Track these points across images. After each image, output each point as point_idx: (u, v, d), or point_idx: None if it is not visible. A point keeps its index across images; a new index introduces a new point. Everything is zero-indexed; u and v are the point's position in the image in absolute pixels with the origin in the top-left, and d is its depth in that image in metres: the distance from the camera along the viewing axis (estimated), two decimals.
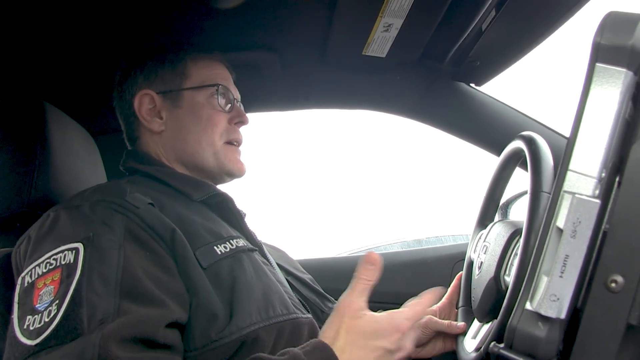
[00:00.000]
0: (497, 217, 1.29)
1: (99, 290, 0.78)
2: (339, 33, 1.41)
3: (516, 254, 0.98)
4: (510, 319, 0.61)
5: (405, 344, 0.85)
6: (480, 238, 1.21)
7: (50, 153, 1.10)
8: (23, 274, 0.85)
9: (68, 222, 0.89)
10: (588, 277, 0.58)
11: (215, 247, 0.96)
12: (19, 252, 0.93)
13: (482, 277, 1.08)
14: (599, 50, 0.57)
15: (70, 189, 1.12)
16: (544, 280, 0.57)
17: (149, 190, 1.01)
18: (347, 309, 0.83)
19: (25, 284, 0.83)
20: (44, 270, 0.82)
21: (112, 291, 0.79)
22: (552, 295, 0.56)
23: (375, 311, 0.86)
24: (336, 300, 1.21)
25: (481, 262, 1.11)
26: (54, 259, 0.83)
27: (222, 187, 1.18)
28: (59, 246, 0.84)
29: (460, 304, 1.23)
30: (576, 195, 0.56)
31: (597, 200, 0.55)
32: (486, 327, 1.05)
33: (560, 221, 0.57)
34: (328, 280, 1.52)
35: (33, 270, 0.83)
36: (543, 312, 0.57)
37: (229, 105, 1.20)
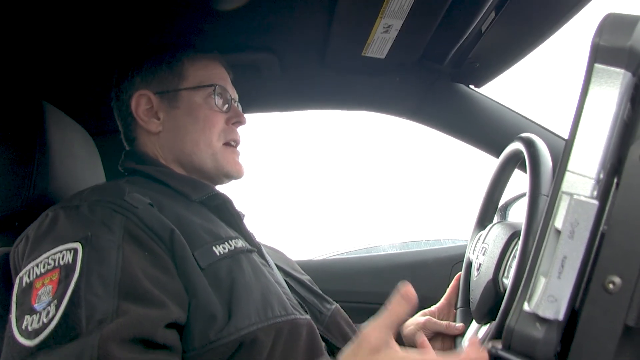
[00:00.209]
0: (496, 219, 1.29)
1: (97, 290, 0.78)
2: (338, 34, 1.41)
3: (514, 256, 0.98)
4: (508, 320, 0.61)
5: None
6: (479, 239, 1.21)
7: (49, 153, 1.10)
8: (21, 274, 0.84)
9: (67, 222, 0.89)
10: (586, 278, 0.58)
11: (214, 248, 0.95)
12: (17, 252, 0.93)
13: (480, 278, 1.08)
14: (597, 51, 0.57)
15: (69, 189, 1.12)
16: (542, 281, 0.57)
17: (147, 191, 1.00)
18: (366, 341, 0.78)
19: (24, 284, 0.83)
20: (43, 270, 0.82)
21: (111, 291, 0.79)
22: (549, 296, 0.56)
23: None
24: (334, 301, 1.21)
25: (480, 264, 1.11)
26: (52, 259, 0.82)
27: (220, 188, 1.18)
28: (58, 246, 0.84)
29: (458, 304, 1.24)
30: (574, 197, 0.56)
31: (595, 202, 0.55)
32: (485, 328, 1.06)
33: (559, 222, 0.57)
34: (326, 281, 1.52)
35: (31, 270, 0.83)
36: (541, 313, 0.57)
37: (227, 105, 1.19)
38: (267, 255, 1.12)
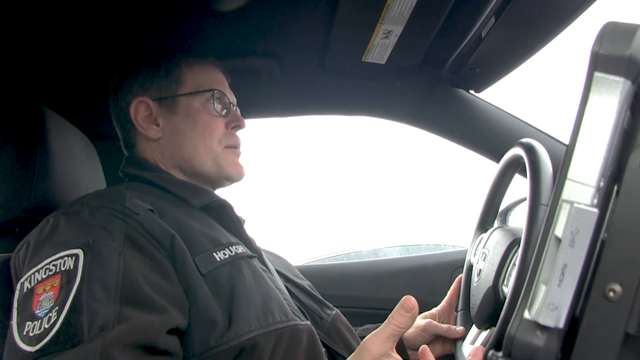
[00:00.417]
0: (496, 223, 1.29)
1: (99, 296, 0.78)
2: (338, 39, 1.41)
3: (514, 264, 0.98)
4: (508, 328, 0.61)
5: None
6: (480, 242, 1.21)
7: (49, 158, 1.10)
8: (22, 280, 0.84)
9: (67, 228, 0.89)
10: (586, 286, 0.58)
11: (214, 254, 0.95)
12: (18, 258, 0.93)
13: (480, 284, 1.08)
14: (597, 60, 0.58)
15: (69, 195, 1.12)
16: (543, 289, 0.57)
17: (148, 197, 1.01)
18: (368, 352, 0.79)
19: (25, 290, 0.83)
20: (44, 276, 0.82)
21: (112, 297, 0.79)
22: (550, 304, 0.56)
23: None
24: (335, 306, 1.21)
25: (480, 270, 1.11)
26: (53, 265, 0.82)
27: (220, 193, 1.18)
28: (59, 252, 0.84)
29: (459, 307, 1.24)
30: (574, 205, 0.56)
31: (596, 210, 0.55)
32: (484, 333, 1.05)
33: (559, 230, 0.57)
34: (327, 287, 1.52)
35: (32, 276, 0.83)
36: (541, 321, 0.57)
37: (225, 110, 1.19)
38: (267, 261, 1.12)
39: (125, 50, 1.36)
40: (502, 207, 1.31)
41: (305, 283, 1.23)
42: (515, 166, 1.19)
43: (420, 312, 1.30)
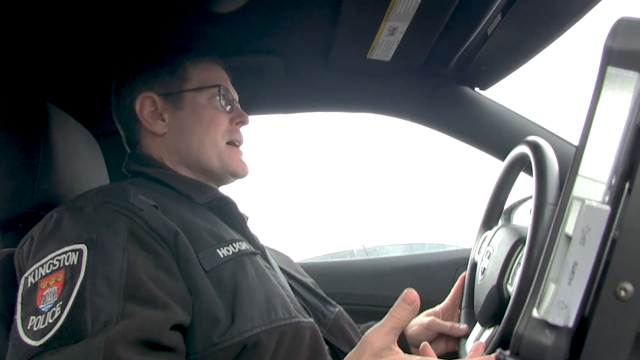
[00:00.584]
0: (501, 222, 1.28)
1: (102, 292, 0.78)
2: (343, 37, 1.41)
3: (519, 263, 0.98)
4: (516, 327, 0.60)
5: None
6: (484, 240, 1.20)
7: (52, 154, 1.09)
8: (26, 275, 0.84)
9: (71, 223, 0.89)
10: (597, 285, 0.57)
11: (218, 251, 0.95)
12: (21, 253, 0.93)
13: (485, 283, 1.07)
14: (610, 55, 0.57)
15: (72, 191, 1.12)
16: (552, 287, 0.57)
17: (152, 193, 1.01)
18: (369, 345, 0.79)
19: (29, 285, 0.83)
20: (48, 271, 0.82)
21: (116, 293, 0.79)
22: (560, 302, 0.56)
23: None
24: (338, 304, 1.21)
25: (484, 268, 1.11)
26: (57, 260, 0.82)
27: (224, 190, 1.18)
28: (63, 247, 0.84)
29: (463, 305, 1.23)
30: (585, 202, 0.55)
31: (607, 207, 0.55)
32: (488, 331, 1.05)
33: (569, 228, 0.56)
34: (330, 284, 1.52)
35: (36, 270, 0.83)
36: (550, 320, 0.56)
37: (229, 106, 1.20)
38: (270, 258, 1.12)
39: (128, 47, 1.36)
40: (506, 205, 1.30)
41: (309, 280, 1.23)
42: (520, 164, 1.19)
43: (423, 309, 1.30)
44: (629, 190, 0.57)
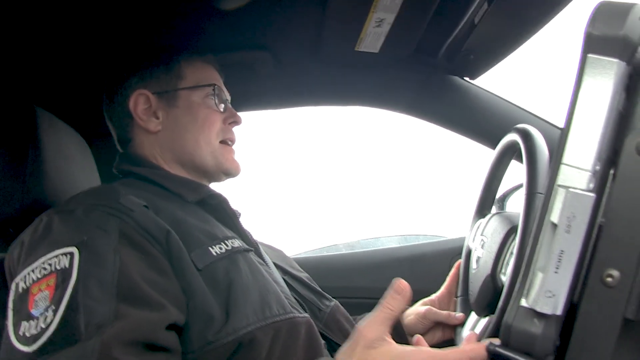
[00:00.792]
0: (494, 209, 1.29)
1: (95, 294, 0.78)
2: (331, 29, 1.40)
3: (512, 253, 0.98)
4: (505, 317, 0.60)
5: None
6: (478, 228, 1.20)
7: (42, 157, 1.09)
8: (17, 280, 0.84)
9: (62, 226, 0.89)
10: (584, 272, 0.58)
11: (210, 249, 0.95)
12: (12, 258, 0.92)
13: (479, 272, 1.08)
14: (590, 41, 0.57)
15: (63, 194, 1.11)
16: (539, 276, 0.57)
17: (143, 193, 1.00)
18: (362, 336, 0.78)
19: (20, 290, 0.82)
20: (39, 276, 0.81)
21: (109, 295, 0.78)
22: (547, 291, 0.56)
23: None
24: (333, 298, 1.21)
25: (478, 257, 1.11)
26: (48, 264, 0.82)
27: (215, 187, 1.18)
28: (54, 251, 0.83)
29: (459, 293, 1.24)
30: (570, 190, 0.55)
31: (592, 194, 0.55)
32: (484, 320, 1.05)
33: (555, 216, 0.56)
34: (325, 278, 1.52)
35: (27, 275, 0.82)
36: (539, 309, 0.56)
37: (223, 105, 1.20)
38: (264, 254, 1.12)
39: (117, 48, 1.35)
40: (500, 193, 1.31)
41: (303, 275, 1.23)
42: (511, 152, 1.19)
43: (420, 299, 1.31)
44: (614, 176, 0.57)
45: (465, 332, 1.12)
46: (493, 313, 0.96)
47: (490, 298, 1.00)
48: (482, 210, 1.28)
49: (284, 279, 1.12)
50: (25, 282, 0.82)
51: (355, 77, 1.72)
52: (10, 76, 1.40)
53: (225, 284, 0.91)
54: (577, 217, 0.54)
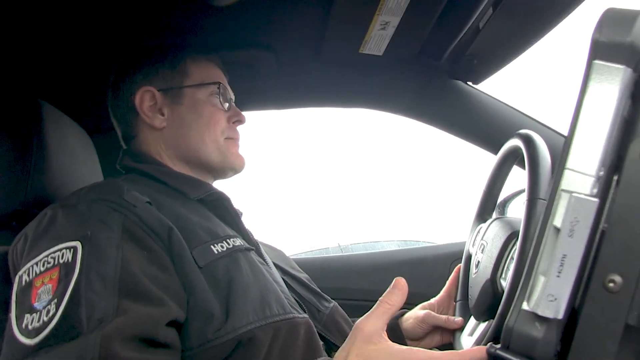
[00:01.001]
0: (495, 214, 1.29)
1: (97, 289, 0.78)
2: (335, 31, 1.40)
3: (512, 258, 0.98)
4: (507, 320, 0.60)
5: None
6: (478, 233, 1.20)
7: (46, 152, 1.09)
8: (20, 273, 0.84)
9: (65, 220, 0.89)
10: (586, 277, 0.58)
11: (212, 247, 0.95)
12: (15, 251, 0.93)
13: (479, 277, 1.08)
14: (597, 48, 0.57)
15: (66, 188, 1.11)
16: (541, 280, 0.57)
17: (146, 189, 1.00)
18: (361, 332, 0.79)
19: (23, 283, 0.82)
20: (42, 269, 0.82)
21: (111, 290, 0.79)
22: (549, 295, 0.56)
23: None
24: (333, 299, 1.21)
25: (478, 261, 1.11)
26: (51, 258, 0.82)
27: (218, 186, 1.18)
28: (57, 244, 0.84)
29: (458, 297, 1.23)
30: (574, 194, 0.55)
31: (595, 199, 0.55)
32: (483, 325, 1.05)
33: (558, 220, 0.56)
34: (324, 279, 1.52)
35: (31, 268, 0.83)
36: (540, 313, 0.56)
37: (227, 104, 1.20)
38: (265, 254, 1.13)
39: (121, 44, 1.35)
40: (501, 198, 1.31)
41: (303, 276, 1.24)
42: (513, 157, 1.19)
43: (419, 303, 1.31)
44: (617, 182, 0.57)
45: (464, 336, 1.12)
46: (492, 318, 0.96)
47: (489, 303, 1.00)
48: (483, 214, 1.28)
49: (283, 279, 1.12)
50: (28, 275, 0.82)
51: (358, 79, 1.72)
52: (16, 70, 1.40)
53: (225, 282, 0.91)
54: (580, 222, 0.54)
